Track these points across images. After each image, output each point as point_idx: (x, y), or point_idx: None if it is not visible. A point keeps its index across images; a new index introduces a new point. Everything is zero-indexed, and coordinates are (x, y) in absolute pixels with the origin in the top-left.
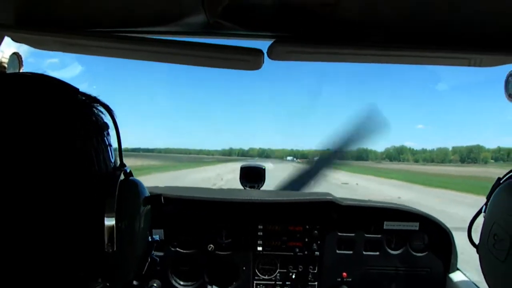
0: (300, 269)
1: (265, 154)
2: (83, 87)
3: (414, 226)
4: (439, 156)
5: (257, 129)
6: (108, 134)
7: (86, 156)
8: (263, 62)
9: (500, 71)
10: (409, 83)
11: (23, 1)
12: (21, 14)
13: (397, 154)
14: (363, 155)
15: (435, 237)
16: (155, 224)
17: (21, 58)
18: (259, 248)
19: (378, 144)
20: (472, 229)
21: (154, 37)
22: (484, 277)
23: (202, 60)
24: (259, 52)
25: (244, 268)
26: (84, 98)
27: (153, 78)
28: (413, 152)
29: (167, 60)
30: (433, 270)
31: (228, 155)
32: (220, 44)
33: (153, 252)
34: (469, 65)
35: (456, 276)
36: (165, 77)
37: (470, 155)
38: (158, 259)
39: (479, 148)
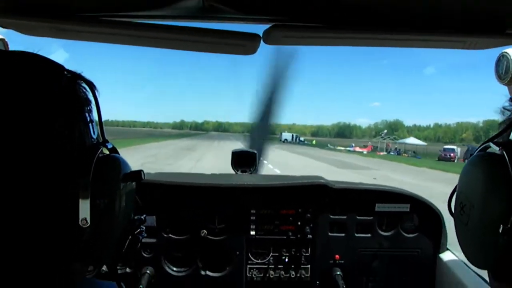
0: (293, 252)
1: (223, 128)
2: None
3: (405, 207)
4: (448, 134)
5: (212, 100)
6: (90, 110)
7: (66, 131)
8: (259, 47)
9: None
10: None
11: None
12: None
13: (391, 131)
14: (345, 132)
15: (425, 218)
16: (147, 211)
17: (7, 45)
18: (252, 233)
19: (361, 119)
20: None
21: (148, 21)
22: (459, 243)
23: (197, 45)
24: (256, 36)
25: (237, 252)
26: (68, 74)
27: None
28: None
29: (160, 45)
30: (424, 251)
31: (179, 128)
32: (216, 29)
33: (143, 232)
34: (463, 48)
35: (446, 256)
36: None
37: (489, 133)
38: (141, 237)
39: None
